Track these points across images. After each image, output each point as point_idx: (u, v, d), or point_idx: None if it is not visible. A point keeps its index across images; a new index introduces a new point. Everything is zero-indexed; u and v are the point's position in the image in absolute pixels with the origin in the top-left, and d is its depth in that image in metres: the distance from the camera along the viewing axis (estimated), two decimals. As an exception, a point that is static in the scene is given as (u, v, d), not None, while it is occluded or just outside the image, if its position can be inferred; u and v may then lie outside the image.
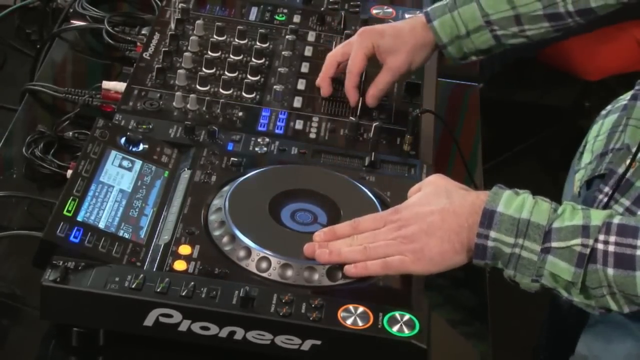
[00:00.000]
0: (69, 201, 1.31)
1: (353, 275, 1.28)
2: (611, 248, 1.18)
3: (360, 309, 1.24)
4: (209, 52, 1.67)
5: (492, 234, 1.22)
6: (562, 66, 2.84)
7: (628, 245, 1.18)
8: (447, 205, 1.25)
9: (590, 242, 1.18)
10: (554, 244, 1.20)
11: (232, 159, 1.45)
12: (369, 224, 1.30)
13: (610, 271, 1.18)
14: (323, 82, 1.62)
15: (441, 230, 1.24)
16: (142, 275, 1.24)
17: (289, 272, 1.28)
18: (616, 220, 1.20)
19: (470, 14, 1.56)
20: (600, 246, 1.18)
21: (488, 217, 1.22)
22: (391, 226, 1.28)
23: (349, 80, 1.59)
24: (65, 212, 1.29)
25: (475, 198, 1.25)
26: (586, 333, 1.43)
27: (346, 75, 1.59)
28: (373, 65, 1.66)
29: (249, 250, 1.29)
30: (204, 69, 1.63)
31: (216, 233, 1.32)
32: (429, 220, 1.25)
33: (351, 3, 1.87)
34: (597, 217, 1.20)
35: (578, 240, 1.19)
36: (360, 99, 1.61)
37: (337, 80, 1.63)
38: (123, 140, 1.44)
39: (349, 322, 1.22)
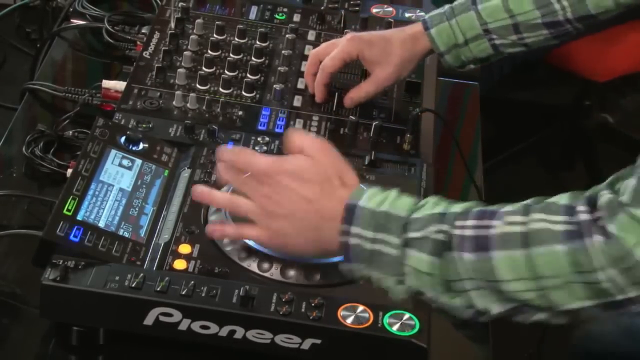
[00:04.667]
0: (69, 200, 1.31)
1: (210, 235, 1.28)
2: (468, 232, 1.10)
3: (360, 307, 1.24)
4: (209, 51, 1.67)
5: (353, 229, 1.16)
6: (568, 67, 2.83)
7: (484, 227, 1.10)
8: (314, 198, 1.19)
9: (445, 227, 1.11)
10: (411, 235, 1.13)
11: (232, 158, 1.45)
12: (252, 164, 1.23)
13: (467, 256, 1.09)
14: (307, 77, 1.62)
15: (299, 222, 1.20)
16: (142, 274, 1.24)
17: (289, 272, 1.28)
18: (478, 208, 1.13)
19: (468, 22, 1.55)
20: (456, 232, 1.11)
21: (350, 213, 1.16)
22: (261, 188, 1.22)
23: (320, 77, 1.59)
24: (65, 211, 1.29)
25: (345, 195, 1.19)
26: None
27: (319, 72, 1.59)
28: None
29: (248, 249, 1.29)
30: (203, 68, 1.63)
31: (216, 232, 1.32)
32: (292, 207, 1.20)
33: (351, 2, 1.87)
34: (459, 206, 1.14)
35: (434, 227, 1.12)
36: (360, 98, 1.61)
37: (336, 81, 1.63)
38: (123, 139, 1.44)
39: (349, 321, 1.22)
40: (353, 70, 1.67)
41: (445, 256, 1.11)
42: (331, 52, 1.59)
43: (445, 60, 1.59)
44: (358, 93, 1.60)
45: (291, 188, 1.21)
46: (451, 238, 1.11)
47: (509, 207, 1.12)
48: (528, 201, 1.12)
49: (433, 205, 1.15)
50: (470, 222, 1.11)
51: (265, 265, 1.28)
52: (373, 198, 1.17)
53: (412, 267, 1.13)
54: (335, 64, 1.58)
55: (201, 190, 1.27)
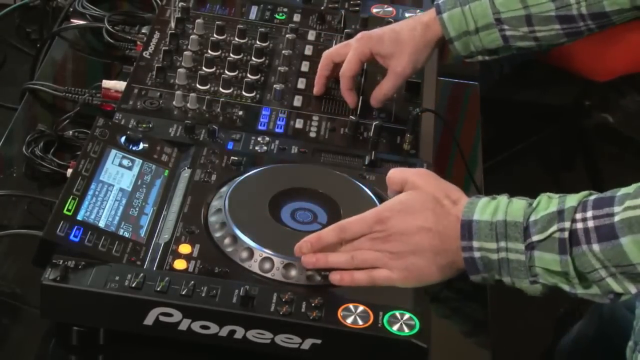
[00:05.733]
0: (69, 200, 1.31)
1: (338, 284, 1.26)
2: (590, 223, 1.14)
3: (360, 307, 1.24)
4: (209, 51, 1.67)
5: (475, 243, 1.20)
6: (568, 67, 2.83)
7: (605, 215, 1.13)
8: (433, 224, 1.23)
9: (567, 224, 1.15)
10: (535, 238, 1.17)
11: (232, 158, 1.45)
12: (355, 229, 1.26)
13: (596, 247, 1.13)
14: (317, 80, 1.62)
15: (428, 252, 1.23)
16: (142, 274, 1.24)
17: (291, 272, 1.28)
18: (593, 197, 1.16)
19: (481, 10, 1.54)
20: (579, 225, 1.14)
21: (467, 229, 1.20)
22: (377, 235, 1.25)
23: (343, 84, 1.59)
24: (65, 211, 1.29)
25: (459, 212, 1.22)
26: None
27: (340, 79, 1.59)
28: (374, 64, 1.66)
29: (248, 250, 1.29)
30: (204, 68, 1.63)
31: (216, 233, 1.32)
32: (415, 240, 1.23)
33: (351, 2, 1.87)
34: (572, 199, 1.17)
35: (555, 226, 1.15)
36: (360, 97, 1.61)
37: (337, 80, 1.63)
38: (123, 139, 1.44)
39: (349, 321, 1.23)
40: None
41: (574, 252, 1.15)
42: (343, 52, 1.59)
43: (455, 48, 1.57)
44: (381, 91, 1.59)
45: (406, 224, 1.24)
46: (575, 233, 1.14)
47: (624, 191, 1.15)
48: None
49: (546, 203, 1.18)
50: (590, 213, 1.14)
51: (266, 266, 1.28)
52: (486, 209, 1.20)
53: (542, 268, 1.17)
54: (353, 67, 1.58)
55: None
